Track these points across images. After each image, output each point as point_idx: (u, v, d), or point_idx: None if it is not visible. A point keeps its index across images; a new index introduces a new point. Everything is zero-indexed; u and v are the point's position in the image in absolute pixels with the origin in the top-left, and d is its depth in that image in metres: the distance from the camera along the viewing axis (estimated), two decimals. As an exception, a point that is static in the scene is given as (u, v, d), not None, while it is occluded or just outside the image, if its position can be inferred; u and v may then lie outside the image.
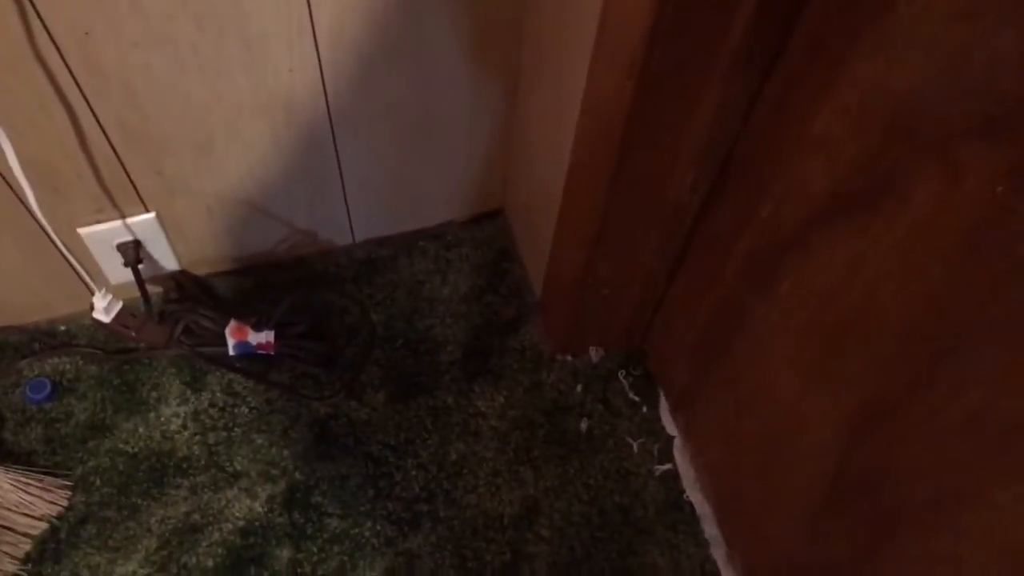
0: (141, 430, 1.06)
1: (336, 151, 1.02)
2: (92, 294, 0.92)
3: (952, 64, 0.51)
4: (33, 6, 0.73)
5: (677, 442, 1.08)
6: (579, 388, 1.13)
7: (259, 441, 1.06)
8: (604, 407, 1.12)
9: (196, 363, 1.10)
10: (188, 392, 1.09)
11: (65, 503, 1.00)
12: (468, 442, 1.08)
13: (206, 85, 0.87)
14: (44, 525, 0.99)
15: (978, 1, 0.48)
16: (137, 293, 1.05)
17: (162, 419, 1.07)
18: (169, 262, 1.11)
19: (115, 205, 0.99)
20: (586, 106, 0.77)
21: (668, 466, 1.07)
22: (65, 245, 0.88)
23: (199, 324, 1.07)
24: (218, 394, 1.09)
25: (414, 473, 1.05)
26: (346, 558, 0.99)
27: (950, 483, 0.59)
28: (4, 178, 0.88)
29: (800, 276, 0.72)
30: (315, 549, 1.00)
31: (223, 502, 1.02)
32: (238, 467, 1.04)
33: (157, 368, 1.11)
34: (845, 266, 0.65)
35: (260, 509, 1.02)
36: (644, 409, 1.12)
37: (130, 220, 1.01)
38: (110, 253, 1.04)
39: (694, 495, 1.04)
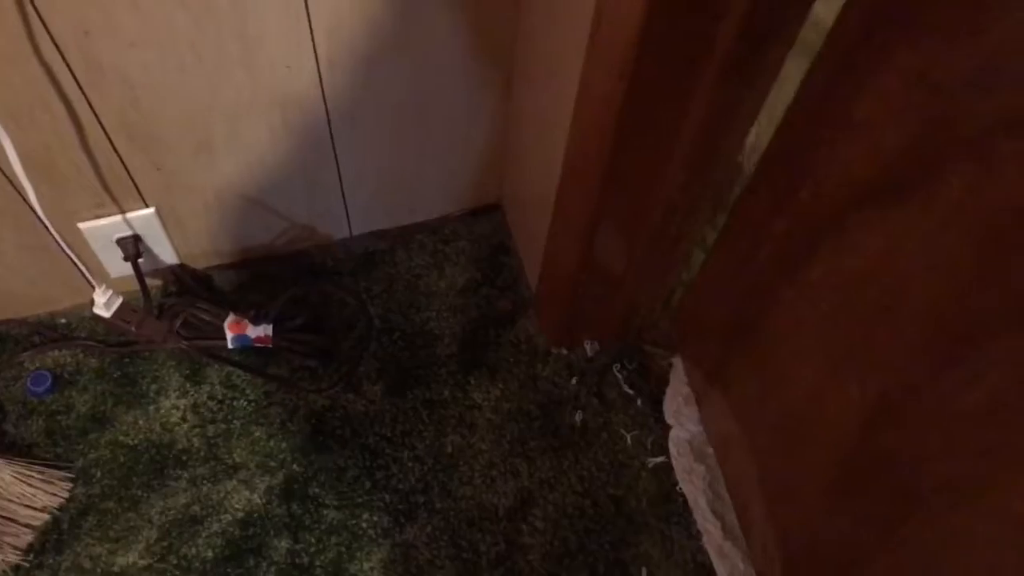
0: (141, 422, 1.07)
1: (334, 146, 1.03)
2: (92, 288, 0.93)
3: (993, 58, 0.52)
4: (33, 5, 0.74)
5: (673, 434, 1.09)
6: (574, 381, 1.14)
7: (257, 433, 1.07)
8: (598, 400, 1.13)
9: (195, 356, 1.11)
10: (187, 385, 1.10)
11: (66, 494, 1.02)
12: (464, 434, 1.09)
13: (205, 82, 0.88)
14: (46, 516, 1.00)
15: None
16: (136, 286, 1.06)
17: (162, 411, 1.08)
18: (168, 256, 1.12)
19: (115, 200, 1.00)
20: (579, 106, 0.78)
21: (661, 458, 1.09)
22: (65, 240, 0.89)
23: (198, 318, 1.08)
24: (217, 387, 1.10)
25: (410, 465, 1.06)
26: (343, 549, 1.01)
27: (969, 465, 0.61)
28: (4, 173, 0.89)
29: (833, 261, 0.73)
30: (313, 540, 1.01)
31: (222, 493, 1.03)
32: (237, 459, 1.06)
33: (157, 361, 1.12)
34: (878, 252, 0.67)
35: (259, 500, 1.03)
36: (638, 402, 1.13)
37: (129, 215, 1.02)
38: (110, 247, 1.05)
39: (687, 487, 1.06)
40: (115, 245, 1.05)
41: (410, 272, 1.21)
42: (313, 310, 1.16)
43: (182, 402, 1.09)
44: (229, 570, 0.99)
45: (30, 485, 1.01)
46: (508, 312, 1.19)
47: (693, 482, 1.06)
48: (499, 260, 1.24)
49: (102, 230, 1.02)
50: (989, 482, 0.59)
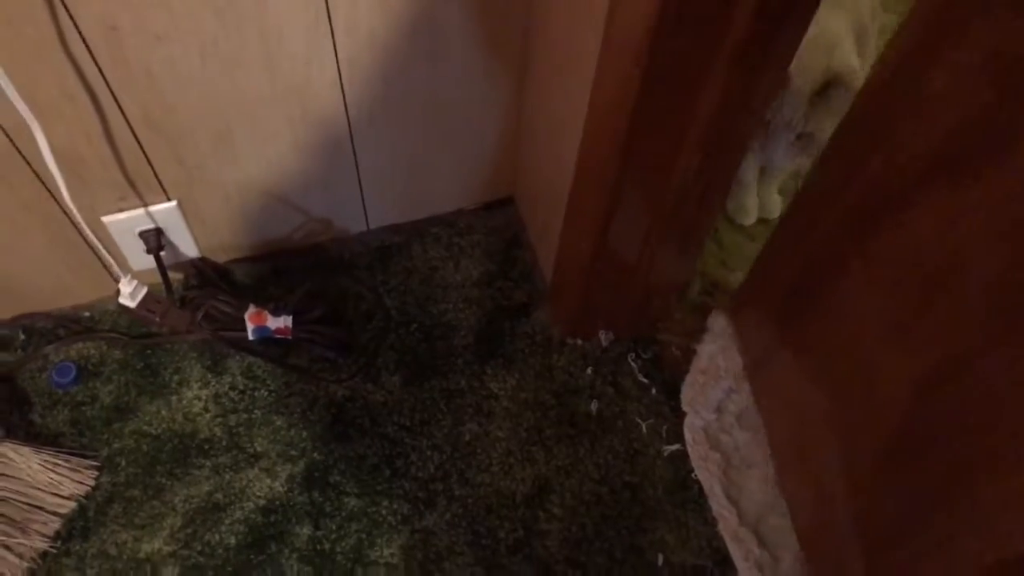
0: (164, 412, 1.09)
1: (352, 141, 1.05)
2: (117, 280, 0.96)
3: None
4: (63, 2, 0.76)
5: (688, 421, 1.11)
6: (589, 371, 1.16)
7: (278, 423, 1.09)
8: (614, 389, 1.14)
9: (216, 347, 1.13)
10: (209, 375, 1.12)
11: (92, 483, 1.04)
12: (481, 423, 1.11)
13: (226, 77, 0.90)
14: (72, 504, 1.02)
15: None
16: (157, 279, 1.08)
17: (184, 402, 1.10)
18: (189, 249, 1.14)
19: (138, 194, 1.02)
20: (595, 94, 0.79)
21: (677, 446, 1.10)
22: (91, 233, 0.91)
23: (219, 309, 1.10)
24: (238, 377, 1.12)
25: (429, 453, 1.08)
26: (364, 535, 1.02)
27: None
28: (32, 168, 0.91)
29: (900, 231, 0.75)
30: (334, 527, 1.03)
31: (244, 482, 1.05)
32: (258, 448, 1.07)
33: (179, 352, 1.14)
34: (944, 223, 0.68)
35: (280, 488, 1.05)
36: (653, 391, 1.15)
37: (152, 208, 1.04)
38: (133, 240, 1.07)
39: (702, 474, 1.07)
40: (138, 238, 1.07)
41: (426, 265, 1.23)
42: (331, 303, 1.17)
43: (204, 392, 1.11)
44: (251, 556, 1.00)
45: (57, 473, 1.03)
46: (523, 304, 1.21)
47: (708, 469, 1.07)
48: (513, 253, 1.25)
49: (125, 223, 1.04)
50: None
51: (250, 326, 1.09)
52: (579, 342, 1.18)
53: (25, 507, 1.00)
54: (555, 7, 0.89)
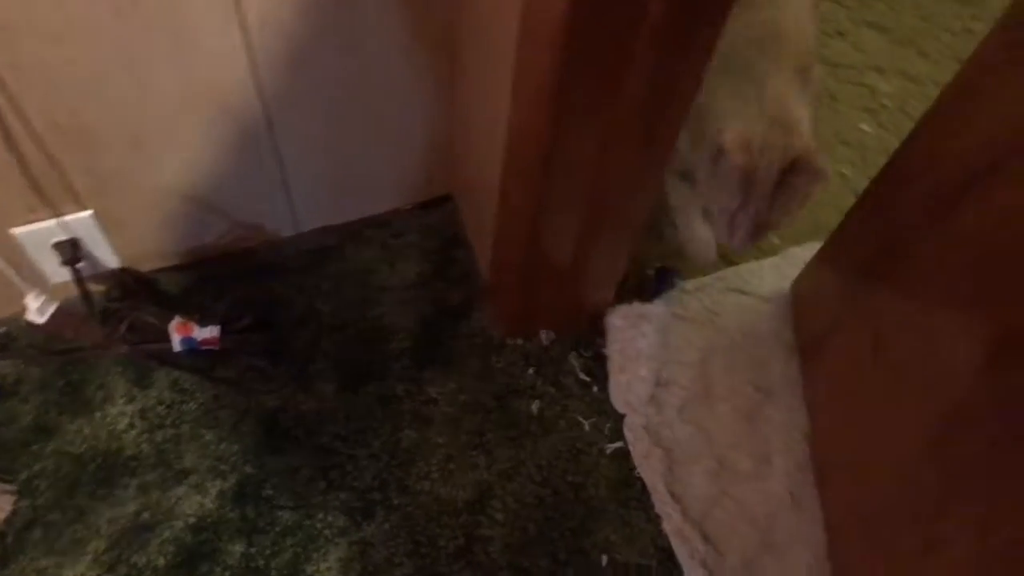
0: (87, 430, 1.05)
1: (273, 140, 1.01)
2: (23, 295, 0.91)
3: None
4: (-56, 1, 0.72)
5: (628, 420, 1.09)
6: (530, 371, 1.13)
7: (208, 437, 1.05)
8: (555, 388, 1.12)
9: (142, 361, 1.09)
10: (134, 390, 1.08)
11: (10, 508, 0.99)
12: (420, 429, 1.08)
13: (134, 79, 0.86)
14: (-11, 531, 0.97)
15: None
16: (78, 292, 1.04)
17: (108, 419, 1.06)
18: (110, 260, 1.09)
19: (49, 204, 0.97)
20: (517, 86, 0.77)
21: (619, 444, 1.08)
22: (-4, 245, 0.86)
23: (143, 321, 1.06)
24: (165, 391, 1.08)
25: (366, 463, 1.05)
26: (300, 550, 0.99)
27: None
28: (-71, 179, 0.87)
29: (987, 205, 0.77)
30: (268, 543, 0.99)
31: (173, 499, 1.01)
32: (187, 464, 1.03)
33: (102, 367, 1.09)
34: None
35: (211, 505, 1.01)
36: (595, 389, 1.13)
37: (66, 218, 1.00)
38: (47, 253, 1.02)
39: (644, 472, 1.05)
40: (53, 250, 1.02)
41: (360, 267, 1.19)
42: (261, 309, 1.13)
43: (129, 408, 1.06)
44: (182, 577, 0.97)
45: (-29, 500, 0.98)
46: (462, 305, 1.18)
47: (651, 466, 1.05)
48: (451, 252, 1.22)
49: (38, 235, 1.00)
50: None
51: (176, 337, 1.05)
52: (520, 342, 1.15)
53: (-63, 537, 0.95)
54: (476, -2, 0.86)
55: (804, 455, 1.07)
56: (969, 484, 0.77)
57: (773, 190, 0.97)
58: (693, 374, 1.11)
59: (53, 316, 0.91)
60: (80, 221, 1.01)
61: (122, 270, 1.12)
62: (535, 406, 1.10)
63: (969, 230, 0.80)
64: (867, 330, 0.96)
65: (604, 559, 1.01)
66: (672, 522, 1.02)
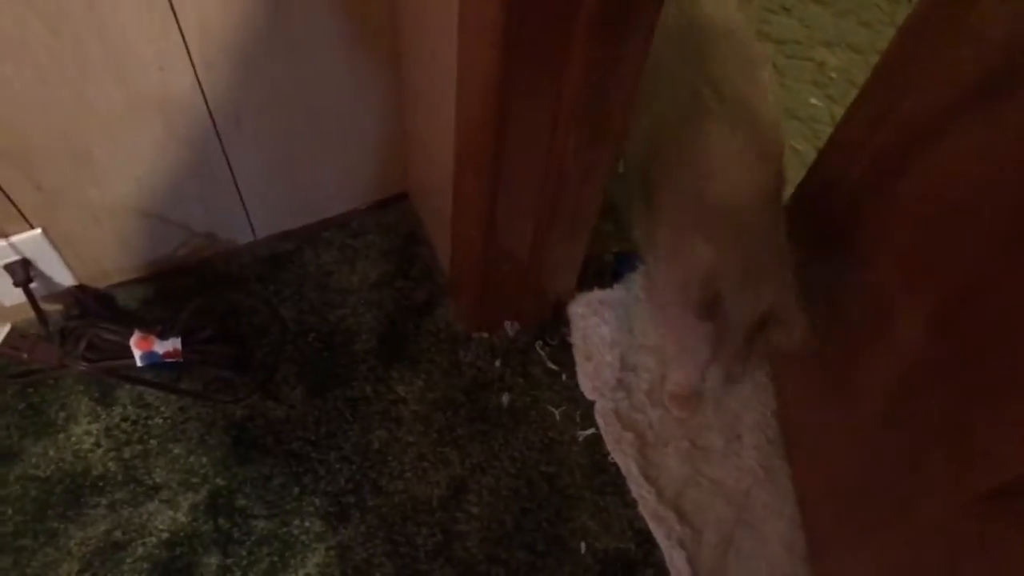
0: (52, 452, 1.03)
1: (222, 147, 1.00)
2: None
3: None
4: None
5: (599, 405, 1.09)
6: (498, 363, 1.13)
7: (176, 451, 1.04)
8: (524, 379, 1.12)
9: (103, 378, 1.07)
10: (98, 408, 1.06)
11: (-23, 536, 0.97)
12: (390, 429, 1.07)
13: (72, 92, 0.84)
14: (-43, 561, 0.96)
15: None
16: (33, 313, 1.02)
17: (73, 439, 1.04)
18: (64, 278, 1.07)
19: (-5, 225, 0.95)
20: (461, 81, 0.77)
21: (592, 430, 1.08)
22: (-58, 271, 0.84)
23: (102, 338, 1.04)
24: (129, 408, 1.06)
25: (338, 466, 1.04)
26: (276, 558, 0.98)
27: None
28: None
29: (927, 168, 0.78)
30: (244, 553, 0.98)
31: (144, 516, 1.00)
32: (157, 479, 1.02)
33: (63, 387, 1.07)
34: (973, 154, 0.71)
35: (183, 519, 1.00)
36: (563, 377, 1.13)
37: (14, 239, 0.98)
38: (-2, 275, 1.00)
39: (618, 456, 1.06)
40: (3, 271, 1.00)
41: (320, 271, 1.18)
42: (222, 319, 1.12)
43: (94, 427, 1.05)
44: (158, 594, 0.96)
45: (-64, 531, 0.96)
46: (425, 301, 1.17)
47: (624, 450, 1.06)
48: (411, 250, 1.22)
49: (-14, 257, 0.98)
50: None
51: (137, 352, 1.03)
52: (485, 335, 1.15)
53: (-97, 571, 0.93)
54: (416, -7, 0.85)
55: (774, 430, 1.08)
56: (930, 445, 0.78)
57: (745, 344, 0.89)
58: (659, 357, 1.12)
59: (7, 338, 0.89)
60: (30, 240, 0.99)
61: (78, 287, 1.10)
62: (505, 398, 1.10)
63: (911, 196, 0.81)
64: (822, 300, 0.97)
65: (583, 546, 1.01)
66: (648, 504, 1.02)
